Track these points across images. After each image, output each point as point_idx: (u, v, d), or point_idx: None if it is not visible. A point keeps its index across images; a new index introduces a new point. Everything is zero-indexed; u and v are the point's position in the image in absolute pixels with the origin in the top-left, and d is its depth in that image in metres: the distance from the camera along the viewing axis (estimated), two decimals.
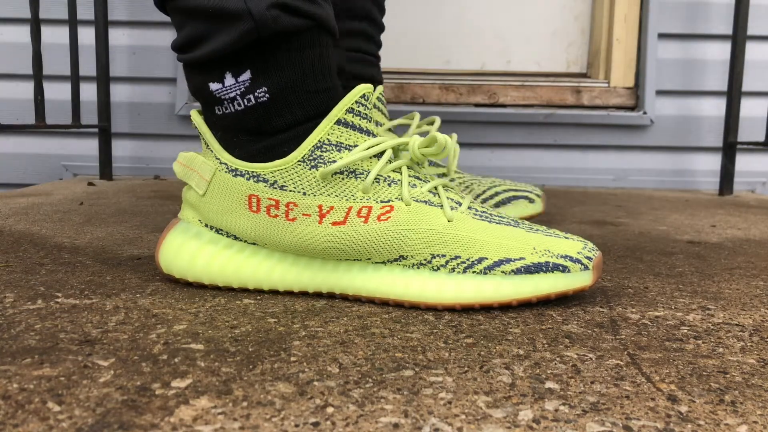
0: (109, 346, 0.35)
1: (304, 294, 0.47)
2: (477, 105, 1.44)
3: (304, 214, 0.45)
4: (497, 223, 0.46)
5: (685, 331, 0.41)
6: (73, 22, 1.17)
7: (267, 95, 0.45)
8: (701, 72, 1.45)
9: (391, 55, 1.50)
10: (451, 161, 0.53)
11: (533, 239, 0.46)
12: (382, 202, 0.45)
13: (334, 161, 0.45)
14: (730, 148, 1.31)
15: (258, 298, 0.46)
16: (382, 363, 0.34)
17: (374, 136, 0.47)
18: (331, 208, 0.45)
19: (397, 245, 0.44)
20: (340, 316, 0.42)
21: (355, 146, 0.45)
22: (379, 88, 0.70)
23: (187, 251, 0.48)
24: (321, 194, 0.45)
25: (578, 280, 0.45)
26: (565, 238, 0.47)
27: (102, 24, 1.26)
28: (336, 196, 0.45)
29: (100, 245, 0.63)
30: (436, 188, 0.47)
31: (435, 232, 0.45)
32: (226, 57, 0.45)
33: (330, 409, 0.28)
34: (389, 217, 0.45)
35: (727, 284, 0.53)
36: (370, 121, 0.47)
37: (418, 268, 0.45)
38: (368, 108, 0.47)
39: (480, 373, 0.33)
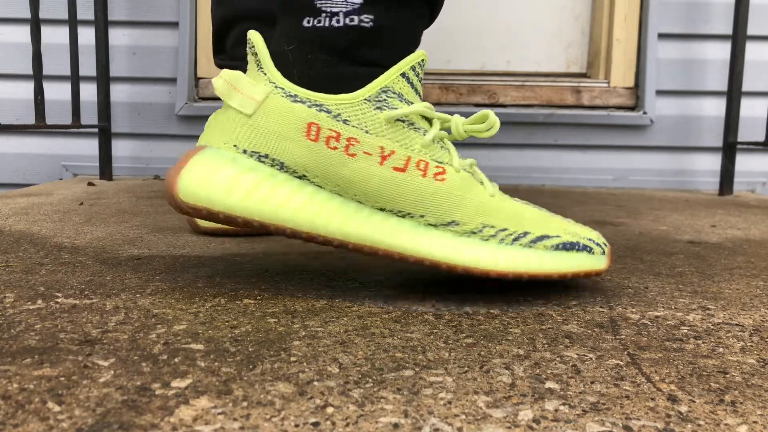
0: (109, 346, 0.35)
1: (305, 295, 0.47)
2: (477, 105, 1.44)
3: (365, 152, 0.44)
4: (526, 205, 0.48)
5: (685, 331, 0.41)
6: (73, 22, 1.17)
7: (372, 23, 0.44)
8: (701, 72, 1.45)
9: None
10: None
11: (562, 221, 0.48)
12: (436, 161, 0.45)
13: (396, 108, 0.45)
14: (730, 148, 1.32)
15: (258, 298, 0.46)
16: (382, 363, 0.34)
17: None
18: (392, 152, 0.44)
19: (451, 207, 0.44)
20: (340, 316, 0.42)
21: (412, 103, 0.46)
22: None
23: (223, 178, 0.43)
24: (383, 136, 0.44)
25: (599, 262, 0.47)
26: (581, 226, 0.50)
27: (102, 24, 1.26)
28: (397, 141, 0.45)
29: (100, 245, 0.63)
30: (472, 165, 0.48)
31: (484, 203, 0.45)
32: None
33: (330, 409, 0.28)
34: (444, 179, 0.45)
35: (727, 284, 0.53)
36: (421, 85, 0.48)
37: (468, 236, 0.45)
38: (421, 73, 0.48)
39: (480, 373, 0.33)
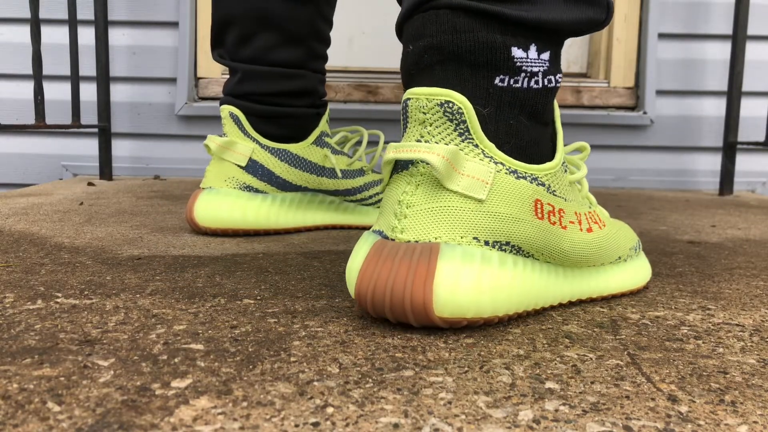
0: (109, 346, 0.35)
1: (305, 295, 0.47)
2: None
3: (570, 222, 0.43)
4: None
5: (685, 331, 0.41)
6: (73, 22, 1.17)
7: (559, 83, 0.42)
8: (701, 72, 1.45)
9: (394, 56, 1.50)
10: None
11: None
12: (590, 209, 0.47)
13: (578, 170, 0.46)
14: (730, 148, 1.32)
15: (258, 298, 0.46)
16: (382, 363, 0.34)
17: None
18: (580, 214, 0.44)
19: (616, 247, 0.47)
20: (340, 316, 0.42)
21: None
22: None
23: (487, 282, 0.38)
24: (573, 200, 0.43)
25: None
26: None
27: (102, 24, 1.26)
28: (578, 203, 0.45)
29: (100, 245, 0.63)
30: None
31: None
32: (543, 30, 0.40)
33: (330, 409, 0.28)
34: (604, 222, 0.47)
35: (727, 284, 0.53)
36: None
37: (626, 261, 0.49)
38: None
39: (480, 373, 0.33)
